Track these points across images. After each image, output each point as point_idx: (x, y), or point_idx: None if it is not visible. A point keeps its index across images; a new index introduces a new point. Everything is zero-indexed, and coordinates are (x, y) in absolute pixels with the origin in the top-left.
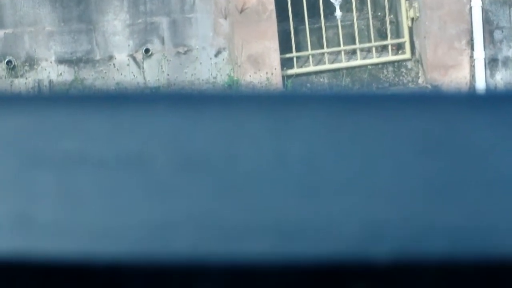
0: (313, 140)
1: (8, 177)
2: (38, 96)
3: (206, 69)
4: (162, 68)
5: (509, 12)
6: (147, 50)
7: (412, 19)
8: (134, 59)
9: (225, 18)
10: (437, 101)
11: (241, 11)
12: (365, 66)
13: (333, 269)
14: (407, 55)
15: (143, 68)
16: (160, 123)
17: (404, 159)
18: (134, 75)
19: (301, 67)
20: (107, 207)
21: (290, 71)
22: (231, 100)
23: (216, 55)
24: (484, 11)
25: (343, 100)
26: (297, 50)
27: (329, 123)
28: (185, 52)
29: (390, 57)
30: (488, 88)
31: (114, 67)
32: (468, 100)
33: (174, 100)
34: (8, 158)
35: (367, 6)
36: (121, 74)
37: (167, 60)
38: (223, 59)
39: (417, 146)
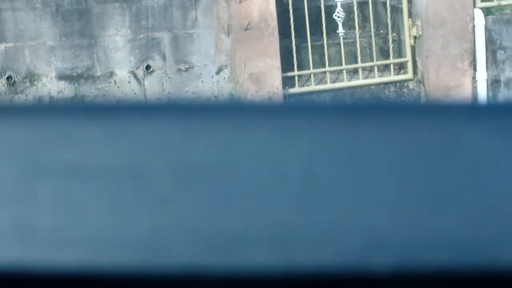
0: (313, 150)
1: (8, 187)
2: (38, 107)
3: (208, 87)
4: (163, 85)
5: None
6: (148, 67)
7: (415, 37)
8: (135, 75)
9: (228, 35)
10: (438, 112)
11: (246, 28)
12: (367, 85)
13: (332, 280)
14: (409, 75)
15: (144, 85)
16: (159, 134)
17: (405, 170)
18: (135, 93)
19: (303, 86)
20: (106, 218)
21: (291, 90)
22: (230, 111)
23: (217, 73)
24: (488, 30)
25: (343, 111)
26: (299, 68)
27: (328, 134)
28: (186, 69)
29: (392, 77)
30: (489, 100)
31: (115, 84)
32: (470, 111)
33: (173, 112)
34: (8, 169)
35: (370, 23)
36: (122, 91)
37: (169, 77)
38: (225, 77)
39: (417, 157)
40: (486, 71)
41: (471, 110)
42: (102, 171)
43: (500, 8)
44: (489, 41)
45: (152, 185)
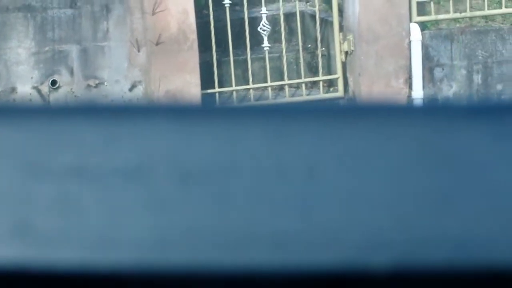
0: (313, 151)
1: (8, 188)
2: (39, 108)
3: None
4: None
5: (451, 48)
6: (54, 82)
7: (346, 53)
8: (39, 92)
9: (138, 50)
10: (438, 112)
11: (157, 43)
12: (294, 104)
13: (332, 279)
14: (340, 93)
15: (49, 102)
16: (160, 136)
17: (404, 170)
18: None
19: (224, 104)
20: (106, 218)
21: None
22: (230, 112)
23: (130, 90)
24: (424, 47)
25: (342, 112)
26: (220, 85)
27: (328, 135)
28: (96, 85)
29: (321, 94)
30: (487, 99)
31: (14, 101)
32: (468, 112)
33: (173, 113)
34: (8, 170)
35: (297, 37)
36: None
37: (75, 95)
38: (138, 95)
39: (416, 157)
40: (423, 89)
41: (470, 110)
42: (102, 172)
43: (436, 22)
44: (426, 58)
45: (153, 186)
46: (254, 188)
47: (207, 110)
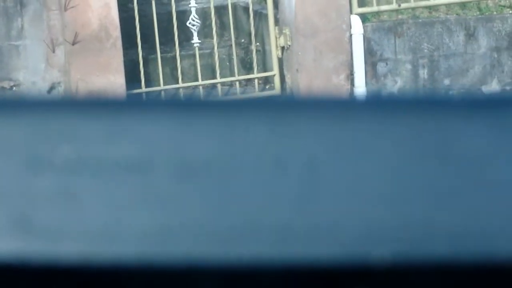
0: (313, 144)
1: (9, 182)
2: (39, 101)
3: None
4: None
5: (395, 41)
6: None
7: (283, 48)
8: None
9: (53, 51)
10: (437, 106)
11: (74, 42)
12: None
13: (332, 272)
14: (276, 90)
15: None
16: (159, 130)
17: (404, 163)
18: None
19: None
20: (106, 212)
21: None
22: (231, 106)
23: (49, 92)
24: (367, 40)
25: (342, 105)
26: (147, 84)
27: (328, 128)
28: (11, 88)
29: (256, 93)
30: (487, 92)
31: None
32: (467, 105)
33: (174, 106)
34: (8, 163)
35: (230, 31)
36: None
37: None
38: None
39: (416, 150)
40: (365, 86)
41: (468, 103)
42: (102, 166)
43: (377, 13)
44: (368, 52)
45: (153, 179)
46: (254, 182)
47: (207, 104)
